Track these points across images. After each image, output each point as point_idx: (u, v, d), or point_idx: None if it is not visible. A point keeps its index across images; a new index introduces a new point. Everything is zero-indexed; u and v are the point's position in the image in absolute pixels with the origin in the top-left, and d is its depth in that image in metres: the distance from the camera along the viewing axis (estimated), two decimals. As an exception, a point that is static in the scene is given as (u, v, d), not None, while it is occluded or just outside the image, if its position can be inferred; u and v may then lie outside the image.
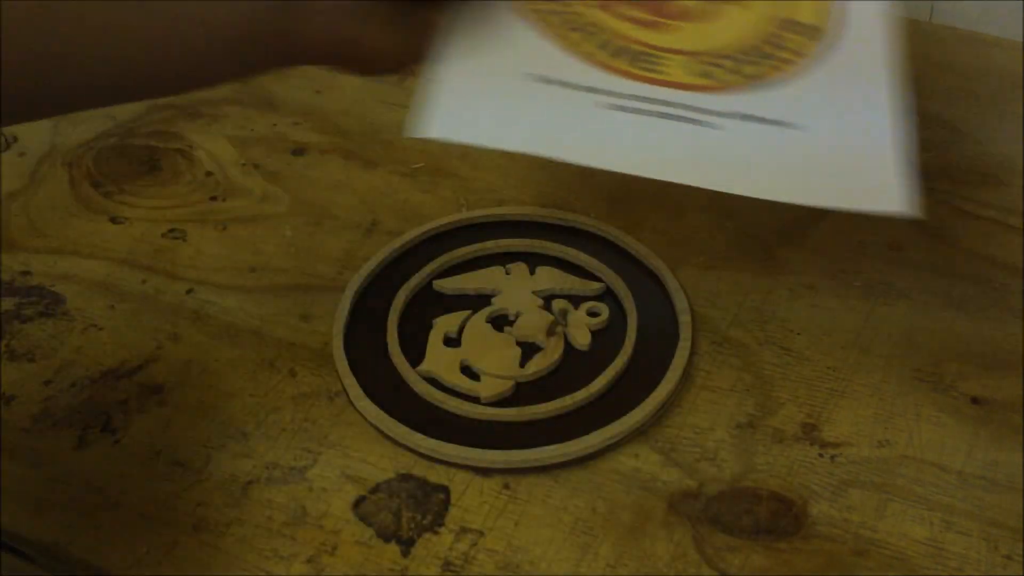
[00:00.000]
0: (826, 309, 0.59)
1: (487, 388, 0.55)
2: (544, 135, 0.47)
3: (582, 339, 0.57)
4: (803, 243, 0.63)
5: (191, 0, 0.40)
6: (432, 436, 0.52)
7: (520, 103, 0.48)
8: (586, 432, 0.52)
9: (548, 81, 0.48)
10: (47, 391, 0.56)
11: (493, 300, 0.59)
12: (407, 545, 0.49)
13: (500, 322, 0.58)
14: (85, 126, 0.74)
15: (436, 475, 0.52)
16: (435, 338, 0.57)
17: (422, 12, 0.46)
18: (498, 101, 0.48)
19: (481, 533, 0.49)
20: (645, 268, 0.61)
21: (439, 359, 0.56)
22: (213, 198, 0.68)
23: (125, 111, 0.75)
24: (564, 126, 0.47)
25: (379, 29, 0.44)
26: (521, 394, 0.55)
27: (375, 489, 0.51)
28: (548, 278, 0.60)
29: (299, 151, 0.71)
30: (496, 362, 0.56)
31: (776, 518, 0.49)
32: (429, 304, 0.60)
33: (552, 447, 0.52)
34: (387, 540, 0.49)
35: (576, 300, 0.59)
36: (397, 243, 0.63)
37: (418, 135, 0.46)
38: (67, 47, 0.40)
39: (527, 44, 0.49)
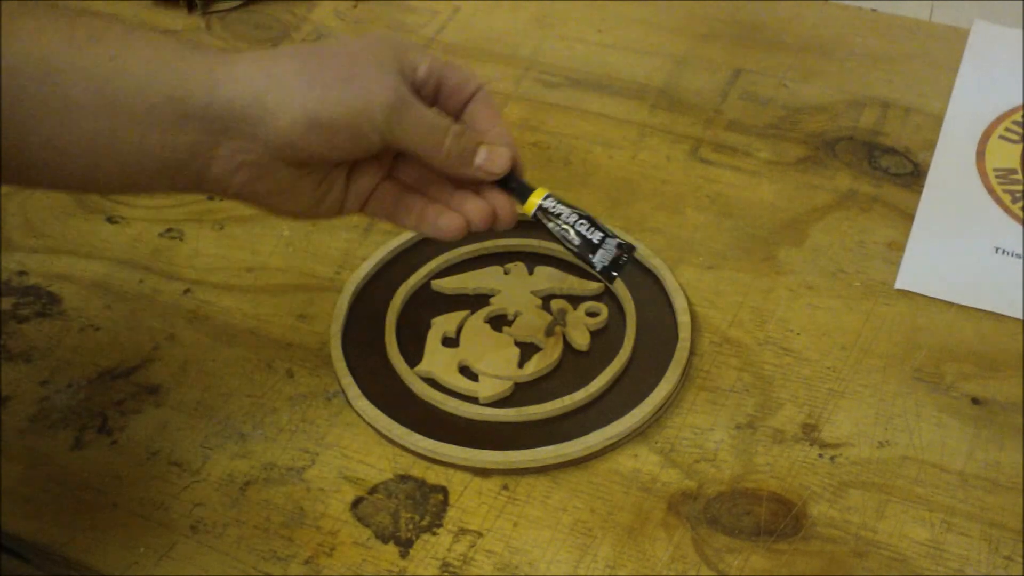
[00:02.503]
0: (826, 309, 0.59)
1: (486, 388, 0.54)
2: (1006, 299, 0.58)
3: (581, 339, 0.57)
4: (803, 243, 0.62)
5: (126, 127, 0.43)
6: (430, 437, 0.52)
7: (984, 272, 0.60)
8: (585, 433, 0.52)
9: (1008, 254, 0.61)
10: (44, 391, 0.56)
11: (492, 300, 0.59)
12: (405, 546, 0.49)
13: (499, 322, 0.58)
14: (82, 125, 0.73)
15: (434, 476, 0.52)
16: (433, 338, 0.57)
17: (329, 180, 0.48)
18: (967, 267, 0.60)
19: (480, 534, 0.49)
20: (644, 268, 0.61)
21: (437, 359, 0.56)
22: (211, 197, 0.68)
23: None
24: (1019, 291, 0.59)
25: (285, 199, 0.48)
26: (520, 394, 0.55)
27: (373, 490, 0.51)
28: (547, 278, 0.60)
29: (297, 150, 0.71)
30: (495, 362, 0.56)
31: (776, 519, 0.49)
32: (427, 304, 0.60)
33: (551, 448, 0.51)
34: (385, 541, 0.49)
35: (575, 300, 0.59)
36: (395, 243, 0.62)
37: (899, 287, 0.59)
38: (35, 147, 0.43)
39: (992, 219, 0.63)
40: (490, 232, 0.63)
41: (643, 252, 0.61)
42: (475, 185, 0.50)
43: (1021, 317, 0.57)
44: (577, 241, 0.49)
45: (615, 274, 0.50)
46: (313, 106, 0.44)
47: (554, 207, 0.50)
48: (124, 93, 0.42)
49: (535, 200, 0.50)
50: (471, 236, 0.62)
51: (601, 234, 0.50)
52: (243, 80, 0.44)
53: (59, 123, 0.42)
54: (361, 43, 0.47)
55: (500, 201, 0.50)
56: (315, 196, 0.48)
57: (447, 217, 0.49)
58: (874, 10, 0.81)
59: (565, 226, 0.50)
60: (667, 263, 0.60)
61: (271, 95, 0.44)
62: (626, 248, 0.50)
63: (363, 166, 0.49)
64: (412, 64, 0.47)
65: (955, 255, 0.61)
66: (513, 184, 0.50)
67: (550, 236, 0.62)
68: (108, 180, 0.45)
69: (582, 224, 0.50)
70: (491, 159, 0.49)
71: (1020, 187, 0.65)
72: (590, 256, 0.50)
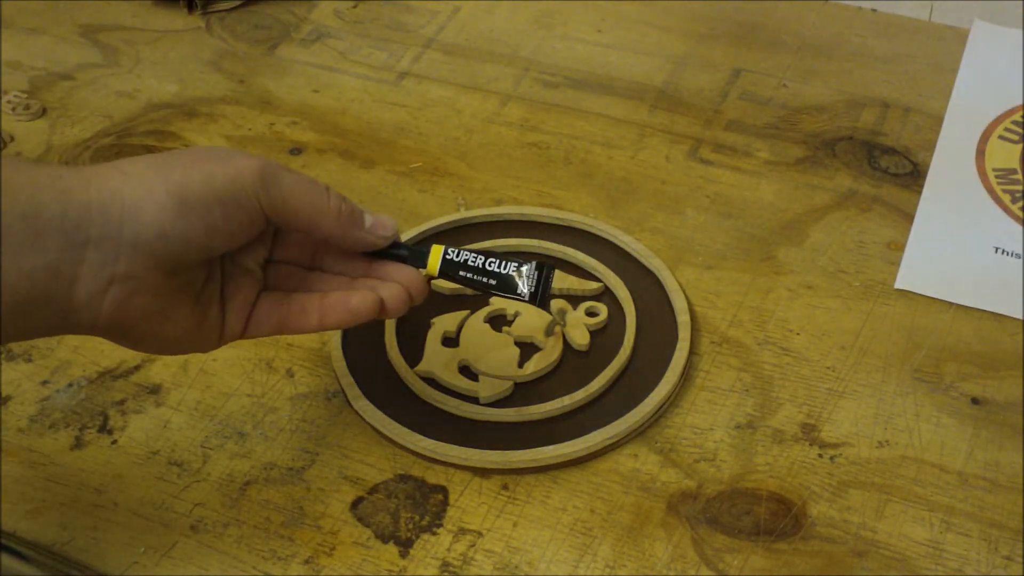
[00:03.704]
0: (826, 309, 0.59)
1: (486, 388, 0.55)
2: (1005, 299, 0.58)
3: (581, 339, 0.57)
4: (803, 243, 0.62)
5: None
6: (430, 436, 0.52)
7: (984, 272, 0.60)
8: (585, 432, 0.52)
9: (1007, 254, 0.61)
10: (44, 391, 0.56)
11: (491, 300, 0.59)
12: (405, 546, 0.49)
13: (498, 322, 0.58)
14: (82, 125, 0.73)
15: (434, 476, 0.52)
16: (433, 338, 0.57)
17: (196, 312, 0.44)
18: (967, 267, 0.60)
19: (480, 534, 0.49)
20: (644, 268, 0.61)
21: (437, 359, 0.56)
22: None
23: (122, 110, 0.74)
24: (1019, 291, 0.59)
25: (164, 323, 0.43)
26: (520, 394, 0.55)
27: (373, 490, 0.51)
28: (547, 278, 0.60)
29: (297, 150, 0.71)
30: (495, 362, 0.56)
31: (776, 519, 0.49)
32: (427, 303, 0.60)
33: (551, 447, 0.51)
34: (385, 541, 0.49)
35: (575, 300, 0.59)
36: (395, 243, 0.62)
37: (899, 287, 0.59)
38: None
39: (992, 219, 0.63)
40: (490, 232, 0.63)
41: (643, 252, 0.61)
42: (365, 269, 0.47)
43: (1021, 317, 0.57)
44: (494, 281, 0.48)
45: (547, 296, 0.48)
46: (177, 187, 0.40)
47: (457, 256, 0.48)
48: None
49: (436, 256, 0.47)
50: (471, 236, 0.63)
51: (514, 264, 0.48)
52: (95, 181, 0.40)
53: None
54: (210, 146, 0.43)
55: (403, 274, 0.47)
56: (192, 319, 0.44)
57: (359, 296, 0.46)
58: (874, 10, 0.81)
59: (475, 273, 0.48)
60: (667, 263, 0.60)
61: (128, 189, 0.40)
62: (543, 267, 0.48)
63: (236, 279, 0.46)
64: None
65: (955, 255, 0.61)
66: (404, 252, 0.48)
67: (550, 236, 0.63)
68: None
69: (492, 263, 0.48)
70: (379, 222, 0.46)
71: (1020, 187, 0.65)
72: (516, 289, 0.48)
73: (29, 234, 0.39)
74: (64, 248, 0.39)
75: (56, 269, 0.39)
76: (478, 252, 0.48)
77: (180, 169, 0.41)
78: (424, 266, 0.48)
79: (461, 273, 0.48)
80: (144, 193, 0.40)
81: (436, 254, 0.48)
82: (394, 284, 0.47)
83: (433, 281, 0.60)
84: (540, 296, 0.48)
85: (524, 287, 0.48)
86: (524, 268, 0.48)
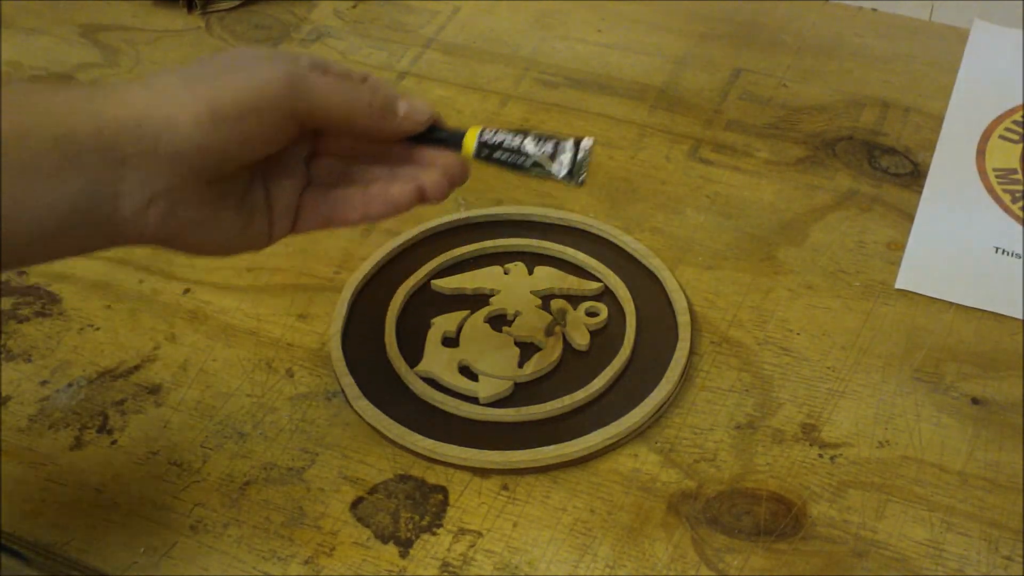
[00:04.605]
0: (826, 309, 0.59)
1: (485, 388, 0.54)
2: (1005, 298, 0.58)
3: (581, 339, 0.57)
4: (803, 243, 0.62)
5: (14, 185, 0.38)
6: (430, 436, 0.52)
7: (984, 271, 0.60)
8: (585, 432, 0.52)
9: (1007, 253, 0.61)
10: (44, 391, 0.56)
11: (491, 300, 0.59)
12: (405, 546, 0.49)
13: (499, 322, 0.58)
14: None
15: (434, 476, 0.52)
16: (433, 338, 0.57)
17: (249, 203, 0.45)
18: (967, 267, 0.60)
19: (479, 534, 0.49)
20: (644, 268, 0.61)
21: (437, 359, 0.56)
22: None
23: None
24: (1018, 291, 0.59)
25: (210, 230, 0.43)
26: (520, 394, 0.55)
27: (373, 490, 0.51)
28: (547, 278, 0.60)
29: (297, 150, 0.71)
30: (495, 362, 0.56)
31: (776, 519, 0.49)
32: (427, 304, 0.60)
33: (551, 448, 0.51)
34: (385, 541, 0.49)
35: (575, 300, 0.59)
36: (395, 243, 0.62)
37: (899, 287, 0.59)
38: None
39: (992, 219, 0.63)
40: (490, 232, 0.63)
41: (643, 252, 0.61)
42: (406, 155, 0.47)
43: (1021, 317, 0.57)
44: (530, 162, 0.46)
45: (582, 175, 0.47)
46: (207, 102, 0.40)
47: (493, 137, 0.46)
48: (6, 146, 0.38)
49: (472, 138, 0.46)
50: (471, 236, 0.63)
51: (551, 142, 0.46)
52: (126, 98, 0.40)
53: None
54: (238, 48, 0.44)
55: (443, 158, 0.46)
56: (238, 223, 0.44)
57: (399, 187, 0.46)
58: (874, 10, 0.81)
59: (511, 154, 0.46)
60: (667, 263, 0.60)
61: (160, 106, 0.40)
62: (580, 143, 0.46)
63: (279, 180, 0.46)
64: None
65: (955, 255, 0.61)
66: (443, 135, 0.47)
67: (550, 236, 0.63)
68: (15, 250, 0.39)
69: (528, 142, 0.46)
70: (414, 107, 0.45)
71: (1020, 187, 0.65)
72: (550, 168, 0.46)
73: (65, 156, 0.39)
74: (102, 168, 0.39)
75: (96, 190, 0.39)
76: (516, 132, 0.47)
77: (209, 83, 0.41)
78: (459, 149, 0.47)
79: (496, 155, 0.47)
80: (176, 110, 0.40)
81: (472, 136, 0.47)
82: (434, 169, 0.46)
83: (434, 281, 0.60)
84: (577, 174, 0.47)
85: (560, 168, 0.47)
86: (561, 146, 0.47)
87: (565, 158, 0.46)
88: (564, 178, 0.47)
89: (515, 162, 0.47)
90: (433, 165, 0.46)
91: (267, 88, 0.41)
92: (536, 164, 0.47)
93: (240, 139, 0.41)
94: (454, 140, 0.47)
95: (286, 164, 0.46)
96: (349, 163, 0.47)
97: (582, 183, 0.47)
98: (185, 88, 0.41)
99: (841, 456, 0.52)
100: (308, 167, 0.47)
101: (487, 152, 0.47)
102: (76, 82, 0.42)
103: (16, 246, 0.39)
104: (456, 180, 0.47)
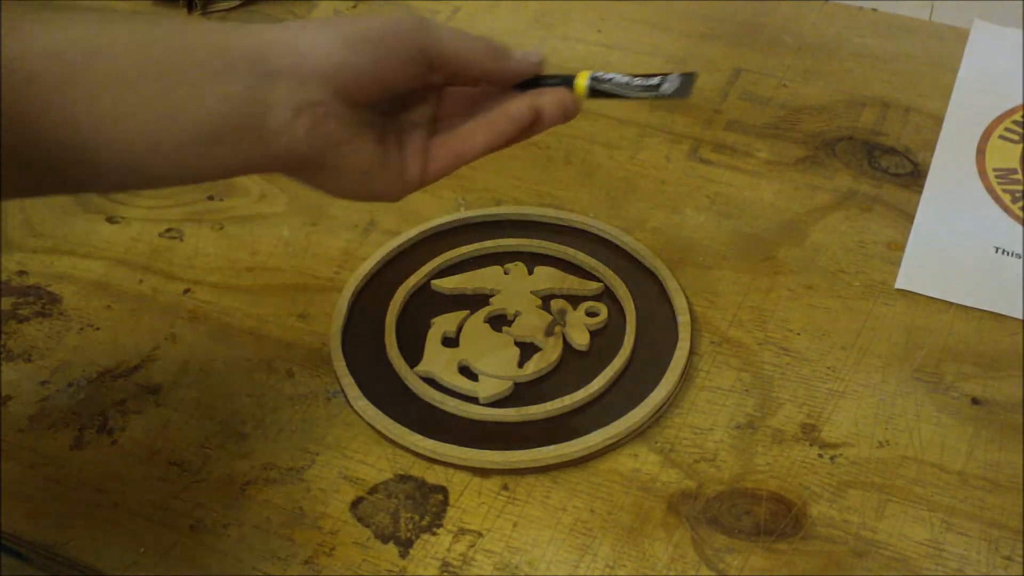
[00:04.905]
0: (826, 309, 0.59)
1: (485, 388, 0.54)
2: (1005, 298, 0.58)
3: (581, 339, 0.57)
4: (803, 243, 0.62)
5: (178, 86, 0.42)
6: (430, 436, 0.52)
7: (984, 271, 0.60)
8: (585, 433, 0.52)
9: (1007, 253, 0.61)
10: (44, 391, 0.56)
11: (491, 300, 0.59)
12: (405, 546, 0.49)
13: (498, 322, 0.58)
14: (82, 125, 0.73)
15: (434, 476, 0.52)
16: (433, 338, 0.57)
17: (400, 145, 0.48)
18: (967, 267, 0.60)
19: (479, 534, 0.49)
20: (644, 268, 0.61)
21: (437, 359, 0.56)
22: (210, 197, 0.68)
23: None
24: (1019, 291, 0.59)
25: (350, 153, 0.46)
26: (519, 394, 0.55)
27: (373, 490, 0.51)
28: (547, 278, 0.60)
29: (297, 150, 0.71)
30: (494, 362, 0.56)
31: (776, 519, 0.49)
32: (427, 304, 0.60)
33: (550, 448, 0.51)
34: (385, 541, 0.49)
35: (575, 300, 0.59)
36: (395, 243, 0.62)
37: (899, 287, 0.59)
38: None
39: (992, 219, 0.63)
40: (490, 232, 0.63)
41: (643, 252, 0.61)
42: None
43: (1021, 317, 0.57)
44: (640, 92, 0.50)
45: (688, 91, 0.50)
46: (345, 31, 0.45)
47: (603, 75, 0.49)
48: (170, 54, 0.42)
49: (583, 78, 0.49)
50: (471, 236, 0.63)
51: (658, 76, 0.50)
52: (278, 29, 0.45)
53: (112, 98, 0.41)
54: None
55: (553, 93, 0.49)
56: (376, 156, 0.47)
57: (516, 103, 0.49)
58: (874, 10, 0.81)
59: (623, 85, 0.49)
60: (667, 263, 0.60)
61: (304, 34, 0.44)
62: (688, 75, 0.50)
63: (409, 132, 0.49)
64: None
65: (955, 255, 0.61)
66: (554, 80, 0.50)
67: (550, 236, 0.62)
68: (170, 159, 0.43)
69: (637, 79, 0.49)
70: (526, 53, 0.49)
71: (1020, 187, 0.65)
72: (659, 88, 0.50)
73: (222, 64, 0.42)
74: (254, 77, 0.43)
75: (250, 96, 0.43)
76: (624, 75, 0.50)
77: (347, 23, 0.45)
78: (571, 88, 0.50)
79: (605, 87, 0.49)
80: (319, 36, 0.44)
81: (582, 76, 0.49)
82: (548, 96, 0.49)
83: (434, 281, 0.60)
84: (685, 91, 0.49)
85: (668, 87, 0.49)
86: (669, 77, 0.50)
87: (673, 83, 0.50)
88: (672, 94, 0.49)
89: (624, 93, 0.50)
90: (545, 93, 0.50)
91: (400, 23, 0.46)
92: (646, 88, 0.50)
93: (374, 61, 0.45)
94: (565, 83, 0.50)
95: (413, 120, 0.49)
96: (469, 109, 0.50)
97: (687, 95, 0.50)
98: (325, 24, 0.45)
99: (841, 456, 0.52)
100: (431, 128, 0.50)
101: (598, 86, 0.49)
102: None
103: (178, 149, 0.42)
104: (568, 110, 0.50)
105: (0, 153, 0.40)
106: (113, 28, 0.42)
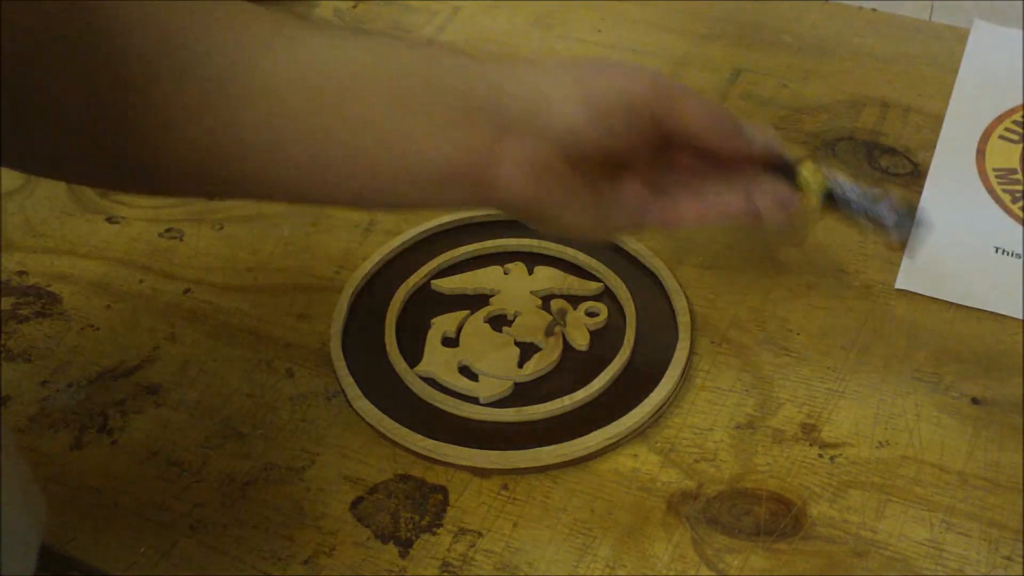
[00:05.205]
0: (826, 309, 0.59)
1: (485, 388, 0.55)
2: (1005, 299, 0.58)
3: (581, 339, 0.57)
4: (803, 243, 0.62)
5: (422, 126, 0.43)
6: (430, 437, 0.52)
7: (984, 271, 0.60)
8: (585, 433, 0.52)
9: (1007, 253, 0.61)
10: (44, 391, 0.56)
11: (491, 300, 0.59)
12: (405, 546, 0.49)
13: (498, 322, 0.58)
14: (82, 125, 0.73)
15: (434, 476, 0.52)
16: (433, 338, 0.57)
17: (618, 192, 0.49)
18: (967, 267, 0.60)
19: (479, 534, 0.49)
20: (644, 268, 0.61)
21: (437, 359, 0.56)
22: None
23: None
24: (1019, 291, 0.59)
25: (566, 208, 0.47)
26: (519, 394, 0.55)
27: (373, 490, 0.51)
28: (547, 278, 0.60)
29: (297, 150, 0.71)
30: (494, 362, 0.56)
31: (776, 519, 0.49)
32: (427, 304, 0.60)
33: (550, 448, 0.51)
34: (385, 541, 0.49)
35: (575, 300, 0.59)
36: (395, 242, 0.63)
37: (899, 287, 0.59)
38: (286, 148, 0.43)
39: (992, 219, 0.63)
40: (490, 232, 0.63)
41: (643, 252, 0.61)
42: (735, 166, 0.49)
43: (1021, 317, 0.57)
44: (870, 224, 0.49)
45: (914, 237, 0.49)
46: (584, 92, 0.45)
47: (842, 192, 0.49)
48: (414, 94, 0.43)
49: (812, 176, 0.48)
50: (471, 236, 0.63)
51: (883, 202, 0.49)
52: (521, 75, 0.45)
53: (353, 129, 0.43)
54: (606, 59, 0.48)
55: (775, 187, 0.49)
56: (589, 210, 0.48)
57: (734, 198, 0.49)
58: (874, 10, 0.81)
59: (862, 213, 0.49)
60: (667, 263, 0.60)
61: (546, 86, 0.45)
62: (917, 219, 0.49)
63: (628, 178, 0.49)
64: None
65: (955, 255, 0.61)
66: (782, 163, 0.49)
67: (549, 236, 0.62)
68: (394, 193, 0.45)
69: (883, 206, 0.48)
70: (767, 136, 0.49)
71: (1020, 187, 0.65)
72: (885, 227, 0.49)
73: (463, 113, 0.44)
74: (490, 127, 0.44)
75: (483, 146, 0.44)
76: (863, 188, 0.49)
77: (587, 75, 0.45)
78: (797, 185, 0.49)
79: (841, 207, 0.49)
80: (560, 93, 0.45)
81: (811, 173, 0.48)
82: (767, 196, 0.49)
83: (434, 281, 0.60)
84: (909, 237, 0.49)
85: (899, 232, 0.49)
86: (909, 216, 0.49)
87: (903, 223, 0.49)
88: (898, 238, 0.49)
89: (855, 219, 0.49)
90: (765, 189, 0.49)
91: (636, 88, 0.46)
92: (881, 226, 0.49)
93: (605, 130, 0.45)
94: (786, 168, 0.49)
95: (635, 166, 0.49)
96: (689, 175, 0.50)
97: (911, 241, 0.50)
98: (568, 75, 0.46)
99: (841, 456, 0.52)
100: (651, 178, 0.50)
101: (833, 204, 0.49)
102: (471, 54, 0.47)
103: (406, 187, 0.45)
104: (788, 214, 0.49)
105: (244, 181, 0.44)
106: (358, 55, 0.44)
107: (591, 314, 0.58)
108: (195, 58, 0.41)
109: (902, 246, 0.50)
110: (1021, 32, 0.77)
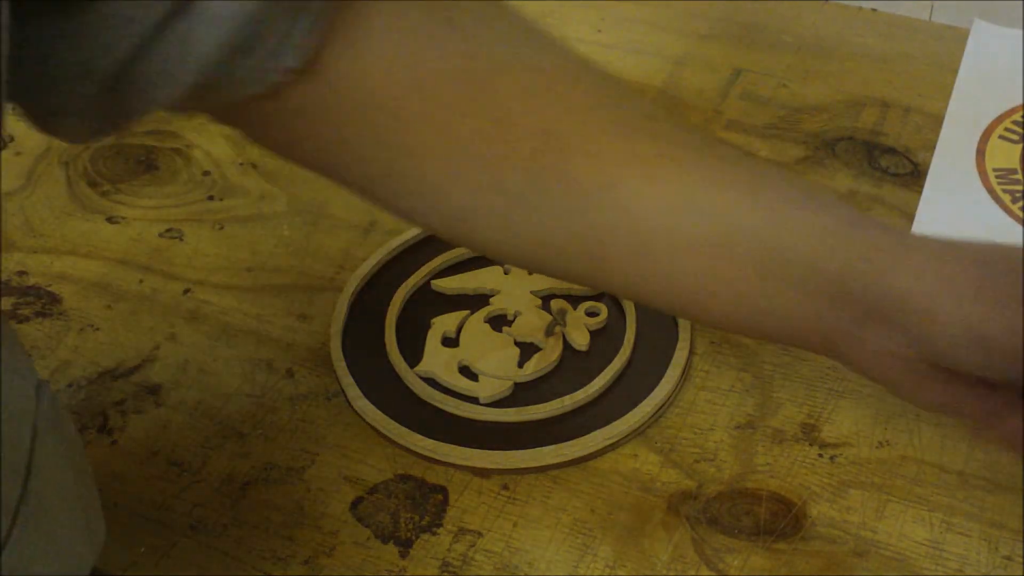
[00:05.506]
0: (826, 309, 0.59)
1: (485, 388, 0.54)
2: None
3: (581, 339, 0.57)
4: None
5: (783, 294, 0.41)
6: (430, 437, 0.52)
7: None
8: (585, 433, 0.52)
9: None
10: (44, 391, 0.56)
11: (491, 300, 0.59)
12: (405, 546, 0.49)
13: (499, 322, 0.58)
14: (82, 125, 0.73)
15: (434, 476, 0.52)
16: (433, 338, 0.57)
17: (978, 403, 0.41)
18: None
19: (479, 534, 0.49)
20: (644, 268, 0.61)
21: (437, 359, 0.56)
22: (210, 197, 0.68)
23: (122, 110, 0.74)
24: None
25: (923, 394, 0.42)
26: (519, 394, 0.55)
27: (373, 490, 0.51)
28: (547, 278, 0.60)
29: (297, 150, 0.71)
30: (494, 362, 0.56)
31: (776, 519, 0.49)
32: (427, 304, 0.60)
33: (550, 448, 0.51)
34: (385, 541, 0.49)
35: (575, 300, 0.59)
36: (395, 242, 0.62)
37: None
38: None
39: (992, 219, 0.63)
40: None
41: (643, 252, 0.61)
42: None
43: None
44: None
45: None
46: (977, 321, 0.37)
47: None
48: (789, 263, 0.40)
49: None
50: (471, 236, 0.63)
51: None
52: (912, 272, 0.39)
53: (724, 292, 0.42)
54: None
55: None
56: (932, 396, 0.42)
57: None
58: (874, 10, 0.81)
59: None
60: (667, 263, 0.60)
61: (937, 297, 0.38)
62: None
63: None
64: None
65: None
66: None
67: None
68: (738, 328, 0.45)
69: None
70: None
71: (1020, 187, 0.65)
72: None
73: (834, 293, 0.40)
74: (857, 315, 0.40)
75: (843, 329, 0.41)
76: None
77: (991, 302, 0.37)
78: None
79: None
80: (946, 310, 0.38)
81: None
82: None
83: (434, 281, 0.60)
84: None
85: None
86: None
87: None
88: None
89: None
90: None
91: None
92: None
93: (982, 365, 0.38)
94: None
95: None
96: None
97: None
98: (968, 293, 0.38)
99: (841, 456, 0.52)
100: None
101: None
102: (858, 216, 0.41)
103: (759, 331, 0.44)
104: None
105: None
106: (739, 208, 0.41)
107: (591, 314, 0.58)
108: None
109: None
110: (1021, 32, 0.77)
